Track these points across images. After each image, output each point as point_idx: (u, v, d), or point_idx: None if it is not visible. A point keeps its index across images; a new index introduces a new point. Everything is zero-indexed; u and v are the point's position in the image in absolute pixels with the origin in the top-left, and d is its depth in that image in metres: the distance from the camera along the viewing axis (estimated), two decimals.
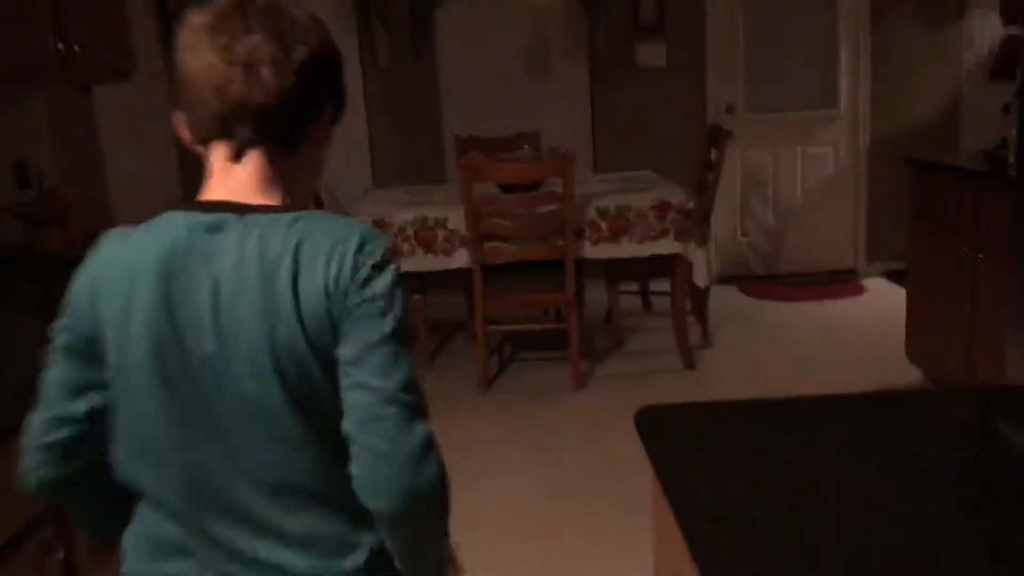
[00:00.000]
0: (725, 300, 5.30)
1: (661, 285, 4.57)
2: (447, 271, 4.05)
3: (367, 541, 1.12)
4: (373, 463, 1.05)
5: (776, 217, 5.78)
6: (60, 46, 2.45)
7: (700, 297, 4.50)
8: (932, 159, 3.70)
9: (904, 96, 5.56)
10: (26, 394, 1.53)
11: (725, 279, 5.68)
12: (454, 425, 3.66)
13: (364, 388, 1.05)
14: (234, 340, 1.04)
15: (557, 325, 4.16)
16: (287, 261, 1.04)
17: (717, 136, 4.41)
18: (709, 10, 5.46)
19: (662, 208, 3.99)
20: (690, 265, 4.09)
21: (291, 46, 1.12)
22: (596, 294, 4.74)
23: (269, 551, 1.08)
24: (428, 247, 3.96)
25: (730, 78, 5.57)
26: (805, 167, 5.72)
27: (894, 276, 5.24)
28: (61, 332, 1.16)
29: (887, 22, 5.46)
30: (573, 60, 5.49)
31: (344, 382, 1.05)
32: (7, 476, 1.43)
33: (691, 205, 4.01)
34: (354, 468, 1.06)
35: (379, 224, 3.95)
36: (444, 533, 1.16)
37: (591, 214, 3.98)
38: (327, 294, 1.04)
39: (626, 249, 4.03)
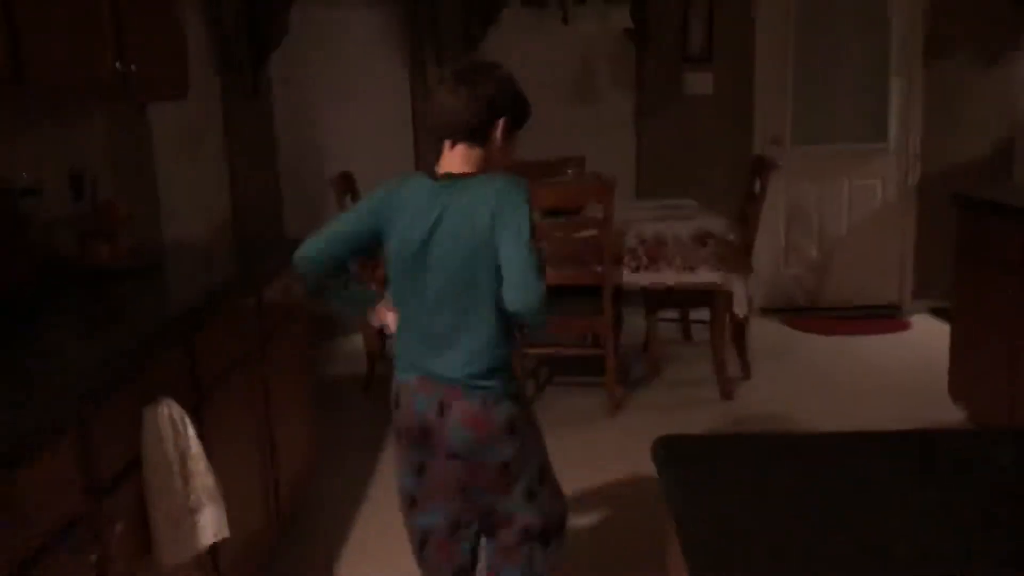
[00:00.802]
0: (766, 331, 5.26)
1: (701, 314, 4.55)
2: None
3: (498, 354, 2.01)
4: (524, 292, 1.91)
5: (820, 250, 5.73)
6: (118, 65, 2.55)
7: (740, 327, 4.47)
8: (979, 195, 3.64)
9: (956, 132, 5.48)
10: (67, 394, 1.59)
11: (767, 310, 5.64)
12: None
13: (514, 259, 1.91)
14: (455, 242, 1.95)
15: (594, 351, 4.16)
16: (480, 200, 1.95)
17: (761, 167, 4.40)
18: (759, 40, 5.46)
19: (703, 237, 3.98)
20: (730, 295, 4.07)
21: (478, 93, 2.01)
22: (635, 321, 4.74)
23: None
24: None
25: (778, 109, 5.55)
26: (852, 200, 5.66)
27: (940, 313, 5.15)
28: (352, 216, 2.19)
29: (942, 57, 5.40)
30: (620, 87, 5.52)
31: (502, 253, 1.92)
32: (48, 476, 1.49)
33: (732, 235, 4.00)
34: (510, 294, 1.92)
35: None
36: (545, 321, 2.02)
37: (631, 241, 3.99)
38: (492, 215, 1.93)
39: (665, 277, 4.03)
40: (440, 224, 1.97)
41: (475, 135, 2.01)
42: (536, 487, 2.13)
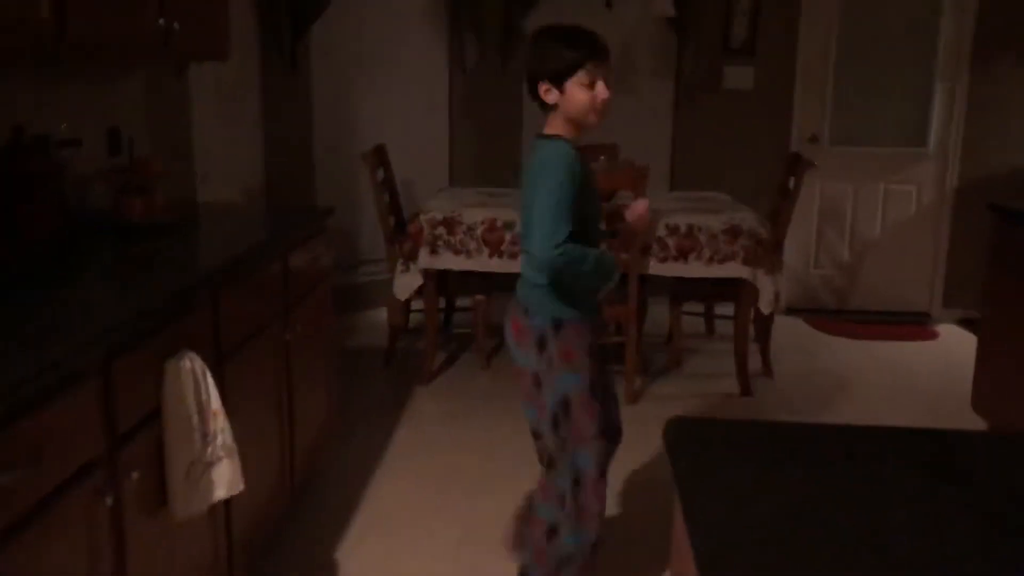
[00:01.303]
0: (791, 330, 5.22)
1: (726, 309, 4.53)
2: (512, 274, 4.08)
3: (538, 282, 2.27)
4: (532, 239, 2.18)
5: (851, 252, 5.67)
6: (161, 22, 2.57)
7: (764, 325, 4.45)
8: (1016, 206, 3.58)
9: (998, 142, 5.40)
10: (93, 342, 1.61)
11: (793, 310, 5.60)
12: (505, 426, 3.69)
13: (534, 209, 2.18)
14: (523, 192, 2.25)
15: (616, 339, 4.15)
16: (533, 161, 2.24)
17: (796, 164, 4.35)
18: (802, 36, 5.39)
19: (733, 231, 3.96)
20: (757, 291, 4.05)
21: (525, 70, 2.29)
22: (659, 312, 4.72)
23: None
24: (494, 249, 4.00)
25: (817, 107, 5.49)
26: (886, 204, 5.59)
27: (969, 324, 5.08)
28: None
29: (989, 65, 5.31)
30: (660, 76, 5.48)
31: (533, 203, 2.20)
32: (69, 420, 1.52)
33: (763, 231, 3.97)
34: (527, 239, 2.22)
35: (449, 221, 4.01)
36: (582, 273, 2.21)
37: (660, 231, 3.97)
38: (534, 174, 2.22)
39: (692, 269, 4.01)
40: (525, 176, 2.28)
41: (540, 104, 2.26)
42: (561, 417, 2.30)
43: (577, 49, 2.18)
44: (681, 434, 1.23)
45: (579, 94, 2.19)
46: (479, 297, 4.32)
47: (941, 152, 5.49)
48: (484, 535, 2.87)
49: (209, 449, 1.95)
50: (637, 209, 2.52)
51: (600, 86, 2.19)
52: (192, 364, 1.92)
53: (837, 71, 5.46)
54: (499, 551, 2.63)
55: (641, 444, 3.48)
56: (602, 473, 2.34)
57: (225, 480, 1.99)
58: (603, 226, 2.51)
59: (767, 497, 1.10)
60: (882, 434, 1.26)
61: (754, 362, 4.38)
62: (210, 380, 1.97)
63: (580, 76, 2.18)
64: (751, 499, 1.09)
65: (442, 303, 4.75)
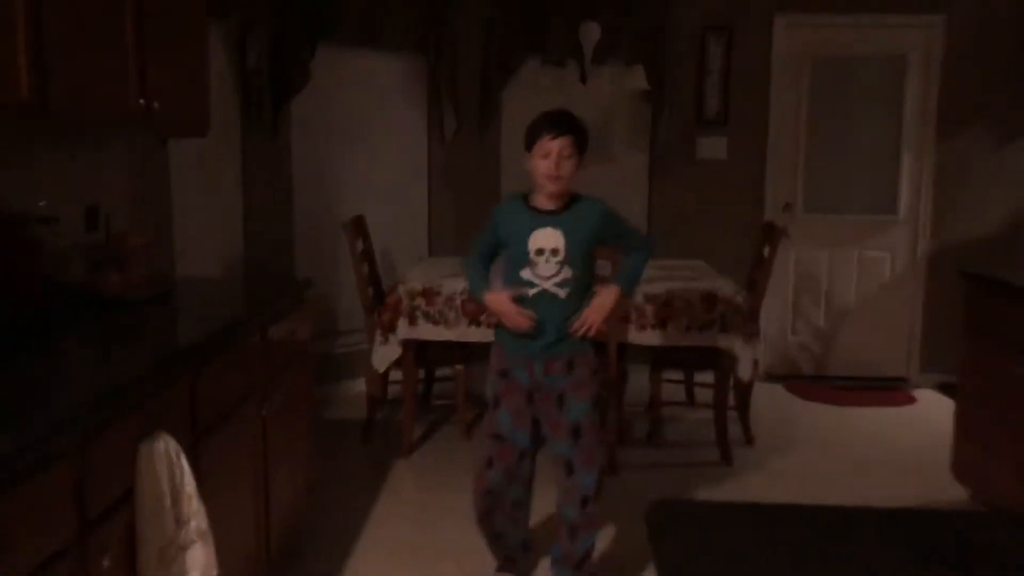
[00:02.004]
0: (771, 398, 5.23)
1: (706, 376, 4.53)
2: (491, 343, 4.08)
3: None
4: None
5: (828, 318, 5.72)
6: (142, 101, 2.59)
7: (743, 392, 4.45)
8: (989, 274, 3.64)
9: (967, 208, 5.51)
10: (65, 423, 1.58)
11: (772, 377, 5.62)
12: None
13: None
14: None
15: None
16: None
17: (771, 233, 4.41)
18: (773, 108, 5.52)
19: (710, 300, 3.99)
20: (735, 359, 4.06)
21: None
22: (639, 380, 4.71)
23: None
24: (473, 318, 4.00)
25: (790, 176, 5.60)
26: (861, 270, 5.67)
27: (947, 388, 5.11)
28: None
29: (954, 134, 5.45)
30: (635, 147, 5.57)
31: None
32: (38, 505, 1.48)
33: (740, 299, 4.00)
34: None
35: (428, 292, 4.01)
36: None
37: (639, 299, 3.99)
38: None
39: (671, 337, 4.02)
40: None
41: None
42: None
43: (545, 124, 2.64)
44: (663, 518, 1.21)
45: (536, 162, 2.68)
46: (459, 367, 4.30)
47: (912, 219, 5.59)
48: None
49: (182, 533, 1.91)
50: (598, 302, 2.74)
51: (551, 159, 2.62)
52: (166, 446, 1.89)
53: (808, 140, 5.58)
54: None
55: (623, 515, 3.45)
56: (488, 464, 2.84)
57: (199, 564, 1.95)
58: (528, 274, 2.70)
59: None
60: (862, 515, 1.25)
61: (735, 429, 4.37)
62: (184, 462, 1.94)
63: (539, 146, 2.65)
64: None
65: (421, 373, 4.72)
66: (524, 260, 2.68)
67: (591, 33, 5.30)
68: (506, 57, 5.43)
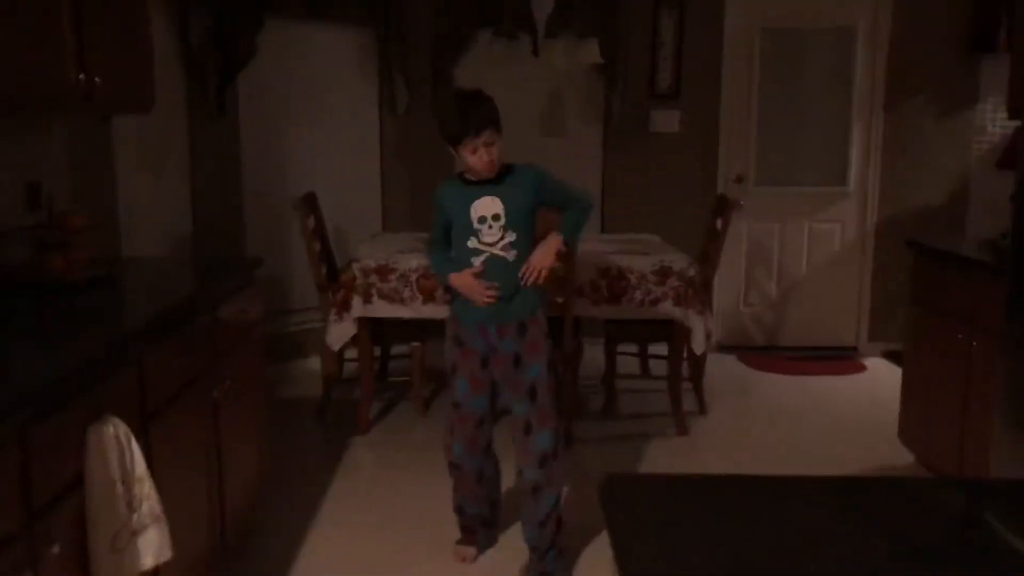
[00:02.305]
0: (724, 369, 5.30)
1: (660, 349, 4.58)
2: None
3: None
4: None
5: (779, 289, 5.80)
6: (82, 77, 2.52)
7: (697, 364, 4.51)
8: (932, 244, 3.72)
9: (914, 179, 5.61)
10: (9, 410, 1.55)
11: (725, 348, 5.69)
12: (444, 474, 3.65)
13: None
14: None
15: None
16: None
17: (723, 205, 4.46)
18: (725, 80, 5.55)
19: (663, 273, 4.02)
20: (689, 331, 4.10)
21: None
22: (594, 354, 4.75)
23: None
24: (428, 295, 3.99)
25: (742, 149, 5.64)
26: (811, 242, 5.75)
27: (894, 357, 5.23)
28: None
29: (900, 106, 5.54)
30: (588, 121, 5.58)
31: None
32: None
33: (693, 272, 4.04)
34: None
35: (382, 269, 3.99)
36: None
37: (593, 274, 4.01)
38: None
39: (625, 311, 4.05)
40: None
41: None
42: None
43: (463, 125, 2.68)
44: (616, 492, 1.23)
45: (465, 157, 2.74)
46: (415, 344, 4.29)
47: (861, 190, 5.68)
48: None
49: (135, 517, 1.88)
50: (540, 248, 2.85)
51: (479, 154, 2.70)
52: (116, 429, 1.86)
53: (760, 114, 5.63)
54: None
55: (579, 488, 3.48)
56: (450, 433, 2.98)
57: (153, 548, 1.92)
58: (473, 242, 2.81)
59: (700, 552, 1.10)
60: (811, 484, 1.28)
61: (689, 400, 4.43)
62: (135, 445, 1.91)
63: (464, 146, 2.70)
64: (685, 555, 1.10)
65: (377, 351, 4.70)
66: (468, 230, 2.80)
67: (544, 5, 5.27)
68: (457, 30, 5.38)
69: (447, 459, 3.02)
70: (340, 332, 4.06)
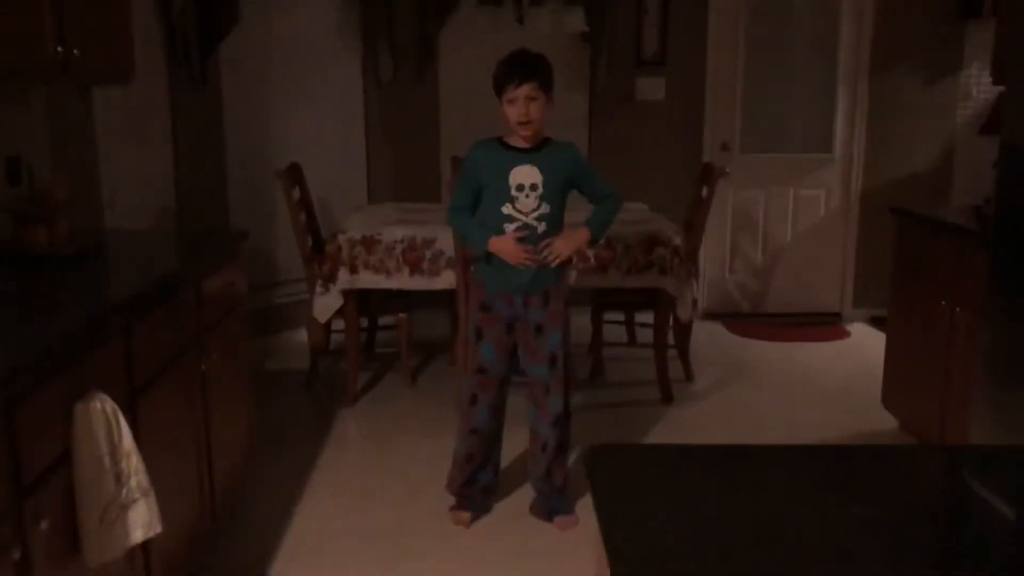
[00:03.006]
0: (709, 336, 5.33)
1: (646, 317, 4.60)
2: (433, 291, 4.08)
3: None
4: None
5: (765, 257, 5.83)
6: (60, 49, 2.49)
7: (683, 332, 4.53)
8: (916, 210, 3.74)
9: (899, 145, 5.62)
10: (2, 384, 1.55)
11: (711, 315, 5.72)
12: (432, 444, 3.68)
13: None
14: None
15: None
16: None
17: (708, 173, 4.45)
18: (711, 48, 5.53)
19: (649, 241, 4.02)
20: (674, 299, 4.12)
21: None
22: (580, 321, 4.76)
23: None
24: (415, 267, 3.99)
25: (727, 116, 5.63)
26: (796, 209, 5.77)
27: (878, 322, 5.27)
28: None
29: (886, 72, 5.53)
30: (573, 89, 5.54)
31: None
32: None
33: (679, 240, 4.05)
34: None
35: (368, 240, 3.98)
36: (465, 238, 3.06)
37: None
38: None
39: (611, 279, 4.06)
40: None
41: None
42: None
43: (508, 73, 2.73)
44: (600, 462, 1.24)
45: (505, 109, 2.79)
46: (401, 315, 4.29)
47: (846, 157, 5.69)
48: (415, 549, 2.87)
49: (124, 491, 1.89)
50: (569, 236, 2.91)
51: (517, 105, 2.73)
52: (103, 405, 1.86)
53: (745, 81, 5.61)
54: (431, 565, 2.61)
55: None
56: (472, 401, 3.01)
57: (142, 522, 1.93)
58: (508, 208, 2.83)
59: (684, 522, 1.12)
60: (793, 454, 1.30)
61: (675, 368, 4.46)
62: (122, 420, 1.91)
63: (506, 93, 2.75)
64: (668, 525, 1.11)
65: (364, 323, 4.71)
66: (505, 196, 2.82)
67: None
68: None
69: (467, 426, 3.06)
70: (326, 304, 4.05)
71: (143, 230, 3.86)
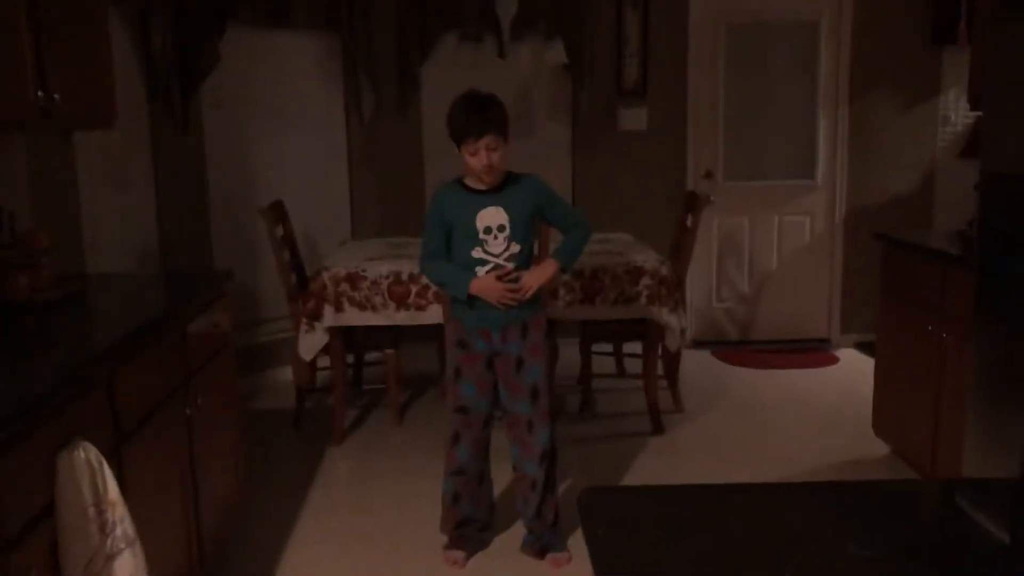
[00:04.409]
0: (698, 365, 5.32)
1: (635, 347, 4.59)
2: (421, 326, 4.06)
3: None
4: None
5: (751, 284, 5.84)
6: (41, 94, 2.48)
7: (672, 361, 4.52)
8: (901, 236, 3.76)
9: (881, 170, 5.67)
10: None
11: (699, 343, 5.72)
12: (422, 482, 3.64)
13: None
14: None
15: None
16: None
17: (693, 202, 4.47)
18: (691, 77, 5.57)
19: (637, 272, 4.02)
20: (663, 329, 4.12)
21: None
22: (569, 353, 4.75)
23: None
24: (401, 302, 3.97)
25: (710, 145, 5.67)
26: (781, 235, 5.79)
27: (866, 347, 5.28)
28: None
29: (866, 98, 5.59)
30: (556, 120, 5.58)
31: None
32: None
33: (665, 270, 4.05)
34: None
35: (353, 276, 3.96)
36: (442, 284, 3.02)
37: (566, 274, 4.00)
38: None
39: (599, 311, 4.06)
40: None
41: None
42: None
43: (465, 126, 2.72)
44: (594, 504, 1.22)
45: (466, 158, 2.76)
46: (388, 351, 4.27)
47: (829, 183, 5.73)
48: None
49: (109, 542, 1.85)
50: (537, 270, 2.90)
51: (479, 156, 2.72)
52: (87, 454, 1.82)
53: (727, 109, 5.66)
54: None
55: (561, 490, 3.48)
56: (455, 440, 3.00)
57: (128, 573, 1.89)
58: (479, 252, 2.82)
59: (679, 564, 1.10)
60: (787, 490, 1.28)
61: (665, 397, 4.44)
62: (107, 468, 1.87)
63: (466, 146, 2.73)
64: (664, 566, 1.09)
65: (350, 358, 4.68)
66: (474, 240, 2.82)
67: (508, 7, 5.26)
68: (422, 33, 5.36)
69: (451, 467, 3.04)
70: (312, 343, 4.02)
71: (126, 273, 3.83)
